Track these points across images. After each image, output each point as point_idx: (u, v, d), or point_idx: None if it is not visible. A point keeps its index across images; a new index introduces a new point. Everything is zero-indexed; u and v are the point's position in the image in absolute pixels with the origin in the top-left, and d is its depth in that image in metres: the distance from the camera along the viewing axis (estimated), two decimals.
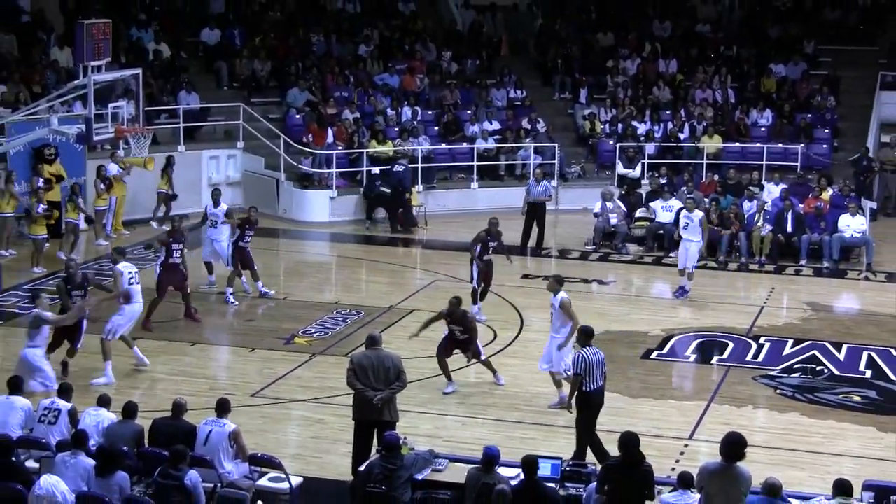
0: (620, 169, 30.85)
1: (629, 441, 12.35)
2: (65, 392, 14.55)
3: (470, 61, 35.19)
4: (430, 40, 35.52)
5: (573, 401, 15.40)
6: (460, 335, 18.06)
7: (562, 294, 17.60)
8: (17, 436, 13.81)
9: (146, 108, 26.43)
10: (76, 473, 12.57)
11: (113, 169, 27.18)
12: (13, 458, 12.96)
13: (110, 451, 12.81)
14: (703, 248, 24.37)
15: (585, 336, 15.73)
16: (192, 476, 12.59)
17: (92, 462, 12.71)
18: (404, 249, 28.06)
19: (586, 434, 15.25)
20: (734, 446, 11.94)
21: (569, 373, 17.04)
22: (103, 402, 14.37)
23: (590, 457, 14.74)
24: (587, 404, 15.26)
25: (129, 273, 18.89)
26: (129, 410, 14.04)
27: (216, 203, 23.27)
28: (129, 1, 33.79)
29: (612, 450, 13.34)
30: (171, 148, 29.44)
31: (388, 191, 29.04)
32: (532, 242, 27.07)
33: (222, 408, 14.04)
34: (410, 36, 35.60)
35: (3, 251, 25.25)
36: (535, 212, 26.87)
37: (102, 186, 26.71)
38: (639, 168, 30.78)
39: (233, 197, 29.89)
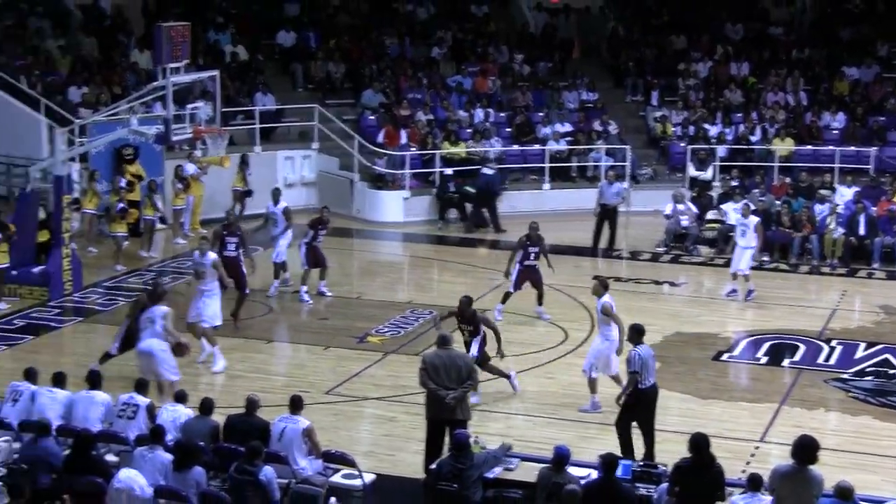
0: (692, 171, 30.81)
1: (700, 442, 12.36)
2: (142, 387, 14.73)
3: (542, 63, 35.29)
4: (503, 43, 35.64)
5: (623, 398, 15.50)
6: (468, 336, 17.89)
7: (605, 298, 17.54)
8: (97, 430, 14.00)
9: (223, 110, 26.81)
10: (154, 468, 12.72)
11: (190, 169, 27.52)
12: (93, 452, 13.22)
13: (188, 446, 12.96)
14: (757, 253, 24.28)
15: (638, 334, 15.64)
16: (267, 472, 12.70)
17: (169, 457, 12.85)
18: (476, 250, 28.15)
19: (624, 428, 15.38)
20: (807, 449, 11.93)
21: (594, 374, 17.33)
22: (180, 397, 14.55)
23: (659, 457, 14.79)
24: (642, 401, 15.31)
25: None
26: (206, 407, 14.15)
27: (276, 202, 23.43)
28: (207, 4, 34.16)
29: (677, 450, 13.31)
30: (247, 148, 29.76)
31: (472, 190, 29.31)
32: (603, 244, 27.13)
33: (295, 405, 14.08)
34: (483, 38, 35.75)
35: (87, 248, 25.73)
36: (607, 214, 26.91)
37: (180, 186, 27.08)
38: (710, 170, 30.71)
39: (307, 197, 30.29)
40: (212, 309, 19.28)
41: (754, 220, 23.78)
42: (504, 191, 30.02)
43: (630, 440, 15.36)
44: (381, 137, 30.53)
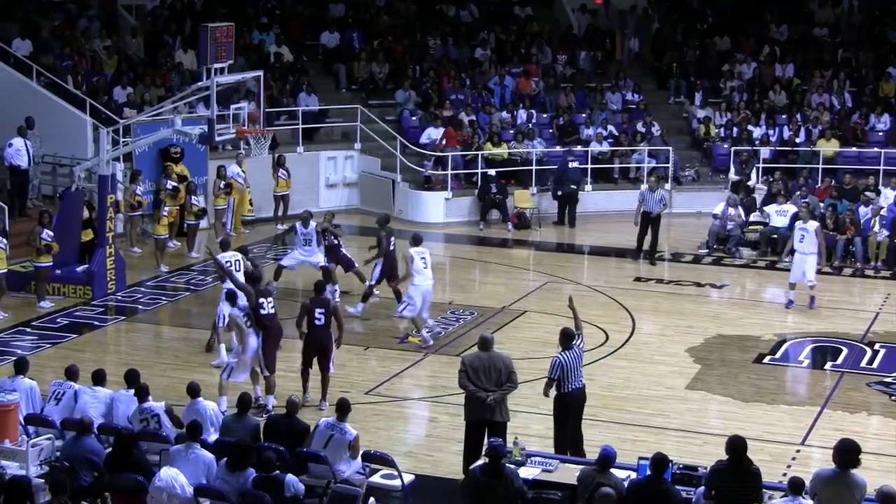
0: (732, 175, 30.62)
1: (738, 445, 12.30)
2: (145, 393, 14.41)
3: (583, 53, 35.22)
4: (546, 44, 35.62)
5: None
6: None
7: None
8: (138, 429, 14.02)
9: (267, 110, 26.92)
10: (195, 467, 12.72)
11: (234, 170, 27.64)
12: (135, 451, 13.21)
13: (244, 447, 12.89)
14: (823, 260, 23.92)
15: (567, 339, 15.19)
16: (291, 483, 12.64)
17: (211, 456, 12.85)
18: (517, 251, 28.11)
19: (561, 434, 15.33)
20: (848, 454, 11.87)
21: None
22: (194, 390, 14.52)
23: (698, 459, 14.69)
24: (570, 405, 15.23)
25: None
26: (244, 403, 14.17)
27: (306, 225, 22.81)
28: (251, 5, 34.33)
29: (717, 453, 13.23)
30: (290, 149, 29.81)
31: (574, 187, 29.88)
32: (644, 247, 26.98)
33: (343, 410, 14.01)
34: (525, 38, 35.77)
35: (131, 249, 25.91)
36: (649, 222, 26.28)
37: (222, 186, 27.16)
38: (754, 174, 30.46)
39: (349, 198, 30.37)
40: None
41: (814, 224, 23.34)
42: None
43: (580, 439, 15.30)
44: (436, 138, 30.52)
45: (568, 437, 15.17)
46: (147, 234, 26.22)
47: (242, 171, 27.77)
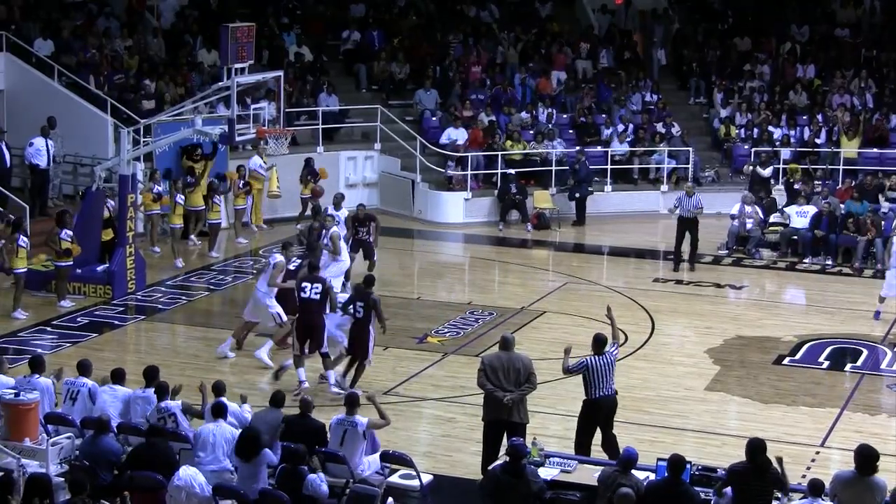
0: (750, 170, 30.48)
1: (756, 447, 12.34)
2: (164, 391, 14.44)
3: (604, 51, 35.27)
4: (566, 44, 35.64)
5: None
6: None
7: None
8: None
9: (287, 110, 27.01)
10: (223, 440, 13.17)
11: (256, 161, 27.67)
12: (166, 444, 13.31)
13: (248, 435, 13.05)
14: None
15: (599, 345, 15.31)
16: (312, 483, 12.74)
17: (236, 431, 13.22)
18: (536, 251, 28.16)
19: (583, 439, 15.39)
20: (867, 460, 11.96)
21: None
22: (219, 389, 14.47)
23: (718, 461, 14.69)
24: (599, 410, 15.30)
25: None
26: (277, 400, 14.26)
27: (337, 207, 23.35)
28: (272, 5, 34.45)
29: (736, 454, 13.23)
30: (310, 149, 29.96)
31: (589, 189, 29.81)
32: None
33: (352, 403, 14.18)
34: (546, 38, 35.81)
35: (152, 248, 26.04)
36: (685, 225, 26.01)
37: (241, 185, 27.29)
38: (769, 170, 30.29)
39: (369, 197, 30.39)
40: None
41: None
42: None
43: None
44: (456, 138, 30.63)
45: (606, 444, 15.25)
46: (165, 232, 26.32)
47: (263, 161, 27.79)
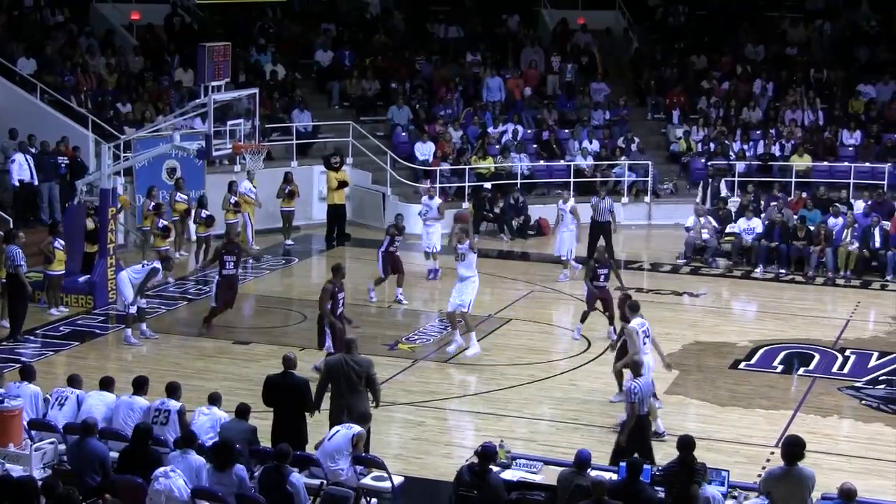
0: (707, 198, 30.98)
1: (686, 444, 12.82)
2: (173, 391, 14.77)
3: (570, 65, 35.89)
4: (535, 45, 36.44)
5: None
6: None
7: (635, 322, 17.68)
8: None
9: (267, 125, 27.54)
10: (189, 470, 12.78)
11: (246, 186, 28.15)
12: (150, 446, 13.36)
13: (226, 446, 12.98)
14: None
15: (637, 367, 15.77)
16: (296, 478, 12.82)
17: (202, 460, 12.93)
18: (504, 261, 28.36)
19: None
20: (794, 447, 12.22)
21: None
22: (214, 399, 14.71)
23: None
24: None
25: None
26: (242, 411, 14.36)
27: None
28: (249, 25, 35.01)
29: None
30: (285, 164, 30.43)
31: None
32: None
33: (363, 419, 14.67)
34: (514, 40, 36.58)
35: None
36: (600, 230, 27.05)
37: (232, 202, 27.64)
38: (723, 186, 30.94)
39: None
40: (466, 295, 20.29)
41: None
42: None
43: None
44: (427, 154, 31.33)
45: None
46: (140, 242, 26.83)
47: (253, 186, 28.32)
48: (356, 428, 14.14)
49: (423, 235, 26.47)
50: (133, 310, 21.43)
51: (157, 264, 21.74)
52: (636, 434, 15.06)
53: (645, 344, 17.25)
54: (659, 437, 16.67)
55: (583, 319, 21.91)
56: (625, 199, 31.55)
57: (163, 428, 14.32)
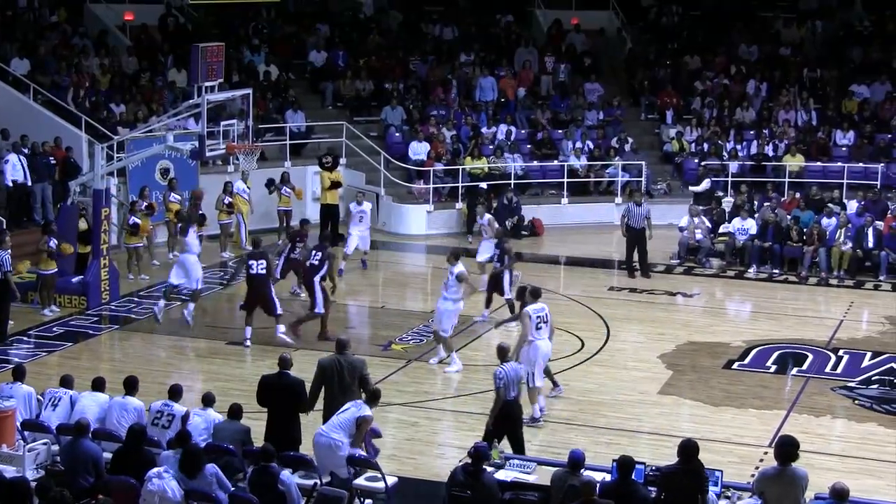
0: (700, 188, 31.22)
1: (693, 448, 12.62)
2: (176, 394, 14.71)
3: (563, 65, 35.93)
4: (530, 44, 36.46)
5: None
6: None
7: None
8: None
9: (261, 126, 27.51)
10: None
11: (240, 186, 28.14)
12: (144, 447, 13.32)
13: (190, 453, 12.79)
14: None
15: (503, 352, 16.04)
16: (286, 477, 12.81)
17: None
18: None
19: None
20: (787, 447, 12.26)
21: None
22: (208, 400, 14.66)
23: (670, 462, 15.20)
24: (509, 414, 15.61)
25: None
26: (235, 411, 14.38)
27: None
28: (243, 26, 35.01)
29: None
30: (279, 164, 30.43)
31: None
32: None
33: (374, 398, 14.66)
34: (508, 40, 36.58)
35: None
36: (636, 237, 26.78)
37: (226, 202, 27.68)
38: (705, 183, 31.01)
39: None
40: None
41: None
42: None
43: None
44: (422, 154, 31.37)
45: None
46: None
47: (247, 187, 28.34)
48: (366, 410, 14.22)
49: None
50: (201, 286, 22.50)
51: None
52: (504, 419, 15.37)
53: (540, 329, 17.56)
54: (535, 423, 17.16)
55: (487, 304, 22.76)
56: (618, 200, 31.57)
57: (163, 432, 14.29)
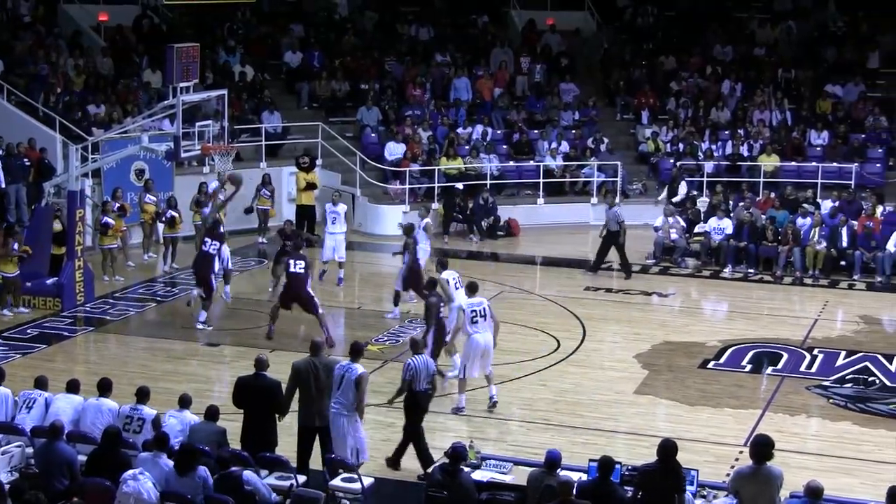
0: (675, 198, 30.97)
1: (671, 448, 12.59)
2: (144, 396, 14.66)
3: (539, 66, 35.96)
4: (505, 45, 36.52)
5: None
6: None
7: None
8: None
9: (237, 127, 27.43)
10: (160, 473, 12.72)
11: (213, 186, 28.16)
12: (120, 449, 13.28)
13: (188, 449, 12.92)
14: None
15: (414, 346, 16.46)
16: (249, 478, 12.86)
17: (171, 463, 12.87)
18: (475, 262, 28.27)
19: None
20: (762, 447, 12.27)
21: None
22: (184, 402, 14.63)
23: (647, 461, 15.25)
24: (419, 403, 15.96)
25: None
26: (212, 413, 14.36)
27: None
28: (218, 26, 34.95)
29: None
30: (254, 164, 30.46)
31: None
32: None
33: (355, 352, 15.09)
34: (484, 40, 36.64)
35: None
36: (611, 239, 27.14)
37: (202, 201, 27.45)
38: (682, 189, 30.96)
39: None
40: None
41: None
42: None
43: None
44: (399, 154, 31.36)
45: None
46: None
47: (224, 188, 28.33)
48: (358, 369, 14.75)
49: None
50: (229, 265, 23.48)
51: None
52: (412, 409, 15.78)
53: (476, 323, 17.88)
54: (459, 412, 17.82)
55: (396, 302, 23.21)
56: (594, 200, 31.65)
57: (135, 437, 14.23)
